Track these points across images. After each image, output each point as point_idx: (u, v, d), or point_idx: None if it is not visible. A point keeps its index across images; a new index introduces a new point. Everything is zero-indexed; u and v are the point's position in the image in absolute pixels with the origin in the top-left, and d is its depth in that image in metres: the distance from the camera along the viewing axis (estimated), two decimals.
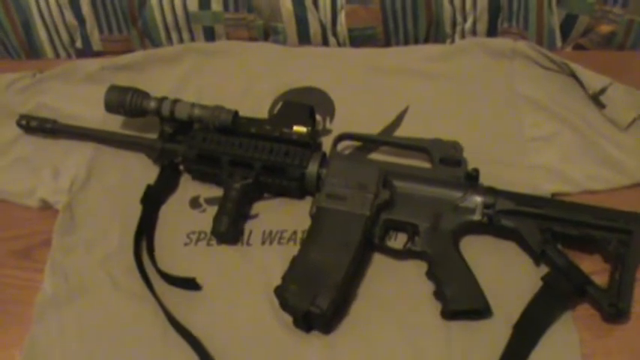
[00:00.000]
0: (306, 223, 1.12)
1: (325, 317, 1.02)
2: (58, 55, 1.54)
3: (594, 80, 1.26)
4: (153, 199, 1.20)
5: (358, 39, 1.44)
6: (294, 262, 1.06)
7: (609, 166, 1.20)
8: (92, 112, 1.30)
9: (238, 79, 1.36)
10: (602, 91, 1.25)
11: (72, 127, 1.28)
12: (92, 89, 1.32)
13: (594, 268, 1.09)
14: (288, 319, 1.05)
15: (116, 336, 1.08)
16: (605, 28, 1.40)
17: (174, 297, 1.10)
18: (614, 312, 1.03)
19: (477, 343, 1.04)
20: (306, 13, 1.41)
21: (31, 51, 1.53)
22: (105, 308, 1.11)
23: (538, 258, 1.09)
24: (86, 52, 1.52)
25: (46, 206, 1.24)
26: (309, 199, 1.16)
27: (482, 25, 1.42)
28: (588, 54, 1.42)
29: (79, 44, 1.52)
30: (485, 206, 1.10)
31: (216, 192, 1.20)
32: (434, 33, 1.44)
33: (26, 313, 1.12)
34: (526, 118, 1.25)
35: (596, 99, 1.25)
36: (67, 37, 1.51)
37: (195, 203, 1.21)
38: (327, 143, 1.22)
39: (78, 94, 1.36)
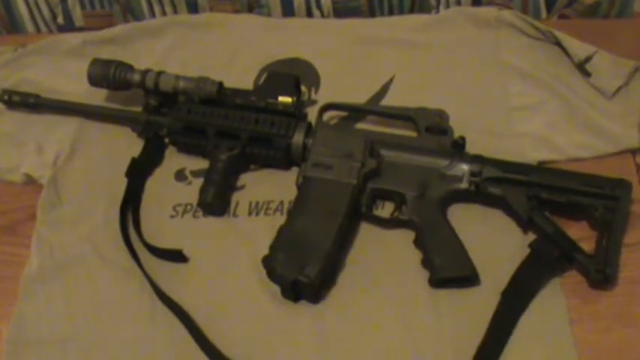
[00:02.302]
0: (292, 193, 1.12)
1: (313, 286, 1.02)
2: (39, 31, 1.52)
3: (580, 49, 1.26)
4: (138, 172, 1.19)
5: (342, 11, 1.43)
6: (281, 231, 1.06)
7: (595, 134, 1.20)
8: (75, 86, 1.29)
9: (223, 51, 1.35)
10: (588, 59, 1.24)
11: (55, 101, 1.26)
12: (75, 63, 1.31)
13: (581, 235, 1.09)
14: (276, 289, 1.05)
15: (103, 309, 1.08)
16: None
17: (161, 269, 1.10)
18: (601, 278, 1.04)
19: (465, 310, 1.04)
20: None
21: (12, 27, 1.51)
22: (91, 282, 1.10)
23: (525, 225, 1.09)
24: (68, 28, 1.50)
25: (30, 181, 1.23)
26: (295, 170, 1.15)
27: None
28: (573, 22, 1.42)
29: (60, 20, 1.50)
30: (472, 174, 1.10)
31: (202, 164, 1.19)
32: (418, 4, 1.43)
33: (12, 288, 1.11)
34: (512, 87, 1.25)
35: (582, 67, 1.25)
36: (48, 13, 1.49)
37: (180, 176, 1.21)
38: (312, 114, 1.21)
39: (61, 68, 1.35)
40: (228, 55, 1.34)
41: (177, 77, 1.19)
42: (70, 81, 1.31)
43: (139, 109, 1.23)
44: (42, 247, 1.14)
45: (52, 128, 1.27)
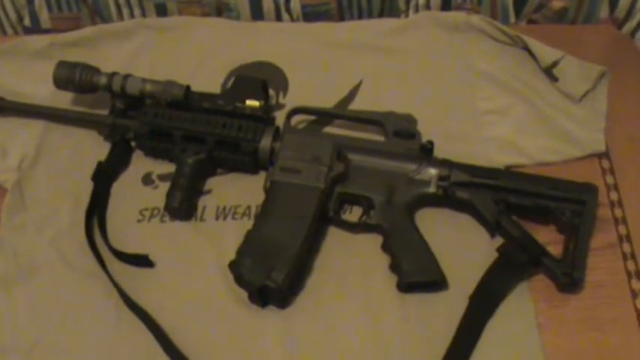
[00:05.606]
0: (260, 198, 1.11)
1: (281, 291, 1.01)
2: (5, 33, 1.50)
3: (547, 53, 1.26)
4: (104, 176, 1.18)
5: (312, 15, 1.43)
6: (248, 236, 1.05)
7: (562, 138, 1.21)
8: (41, 89, 1.27)
9: (191, 54, 1.34)
10: (555, 64, 1.25)
11: (20, 104, 1.25)
12: (41, 65, 1.29)
13: (549, 239, 1.10)
14: (243, 294, 1.04)
15: (68, 315, 1.07)
16: (557, 4, 1.41)
17: (127, 274, 1.09)
18: (568, 282, 1.05)
19: (433, 314, 1.04)
20: None
21: None
22: (56, 287, 1.09)
23: (493, 229, 1.09)
24: (35, 30, 1.48)
25: None
26: (263, 174, 1.14)
27: (436, 1, 1.41)
28: (541, 27, 1.43)
29: (27, 22, 1.48)
30: (440, 178, 1.10)
31: (169, 168, 1.18)
32: (388, 9, 1.43)
33: None
34: (480, 92, 1.25)
35: (549, 72, 1.25)
36: (14, 15, 1.47)
37: (147, 179, 1.20)
38: (280, 118, 1.20)
39: (26, 70, 1.33)
40: (196, 58, 1.33)
41: (144, 80, 1.18)
42: (36, 84, 1.29)
43: (105, 112, 1.21)
44: (5, 252, 1.13)
45: (17, 131, 1.25)
